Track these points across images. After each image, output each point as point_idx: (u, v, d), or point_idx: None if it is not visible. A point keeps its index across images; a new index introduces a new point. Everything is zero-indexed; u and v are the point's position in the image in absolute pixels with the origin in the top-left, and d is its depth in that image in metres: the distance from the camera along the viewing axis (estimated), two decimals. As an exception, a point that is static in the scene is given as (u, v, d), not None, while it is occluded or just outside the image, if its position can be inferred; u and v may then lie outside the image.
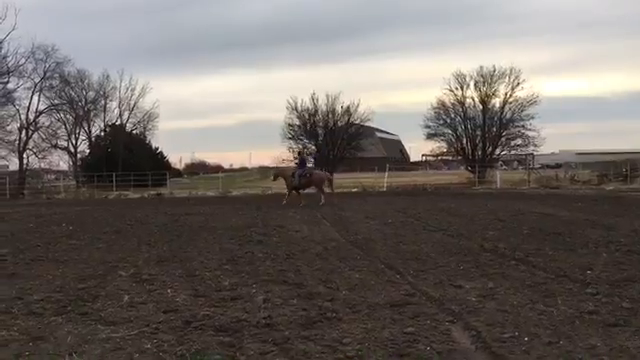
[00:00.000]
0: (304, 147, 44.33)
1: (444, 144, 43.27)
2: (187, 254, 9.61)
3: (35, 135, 44.17)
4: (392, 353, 4.41)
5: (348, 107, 43.75)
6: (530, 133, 40.62)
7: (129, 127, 50.77)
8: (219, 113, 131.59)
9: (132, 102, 49.68)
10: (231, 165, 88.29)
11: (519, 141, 41.58)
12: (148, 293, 6.60)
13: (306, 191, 23.12)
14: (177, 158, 74.59)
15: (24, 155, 43.12)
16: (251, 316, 5.45)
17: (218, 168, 70.90)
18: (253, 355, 4.40)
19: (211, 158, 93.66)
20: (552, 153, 65.37)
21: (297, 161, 23.42)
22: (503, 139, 41.76)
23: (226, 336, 4.86)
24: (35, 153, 44.24)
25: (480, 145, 41.60)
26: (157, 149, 53.24)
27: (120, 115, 50.13)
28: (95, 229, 14.22)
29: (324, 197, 22.09)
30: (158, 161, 50.12)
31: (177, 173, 61.44)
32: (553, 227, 12.36)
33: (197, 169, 75.64)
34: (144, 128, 51.68)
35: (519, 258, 8.48)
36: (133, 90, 49.39)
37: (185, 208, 21.67)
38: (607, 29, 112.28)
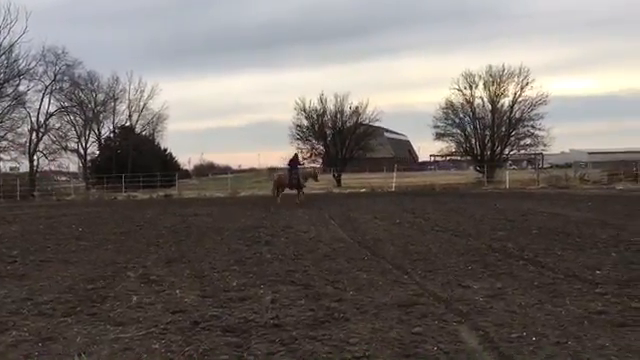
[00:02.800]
0: (312, 147, 44.41)
1: (453, 144, 43.13)
2: (195, 255, 9.65)
3: (45, 137, 44.57)
4: (399, 353, 4.40)
5: (357, 107, 43.66)
6: (539, 133, 40.44)
7: (138, 129, 51.09)
8: (228, 114, 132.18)
9: (141, 104, 50.02)
10: (240, 166, 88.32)
11: (528, 141, 41.38)
12: (156, 294, 6.64)
13: (287, 191, 25.08)
14: (186, 159, 74.83)
15: (34, 157, 43.50)
16: (259, 316, 5.47)
17: (227, 169, 71.02)
18: (260, 355, 4.41)
19: (220, 159, 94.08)
20: (562, 153, 65.00)
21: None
22: (512, 139, 41.55)
23: (234, 336, 4.88)
24: (45, 155, 44.63)
25: (489, 145, 41.41)
26: (166, 150, 53.56)
27: (129, 117, 50.45)
28: (104, 230, 14.31)
29: (279, 198, 24.40)
30: (167, 162, 50.40)
31: (186, 174, 61.62)
32: (562, 227, 12.30)
33: (206, 170, 75.74)
34: (153, 129, 52.05)
35: (528, 258, 8.45)
36: (142, 92, 49.72)
37: (194, 209, 21.76)
38: (617, 27, 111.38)
